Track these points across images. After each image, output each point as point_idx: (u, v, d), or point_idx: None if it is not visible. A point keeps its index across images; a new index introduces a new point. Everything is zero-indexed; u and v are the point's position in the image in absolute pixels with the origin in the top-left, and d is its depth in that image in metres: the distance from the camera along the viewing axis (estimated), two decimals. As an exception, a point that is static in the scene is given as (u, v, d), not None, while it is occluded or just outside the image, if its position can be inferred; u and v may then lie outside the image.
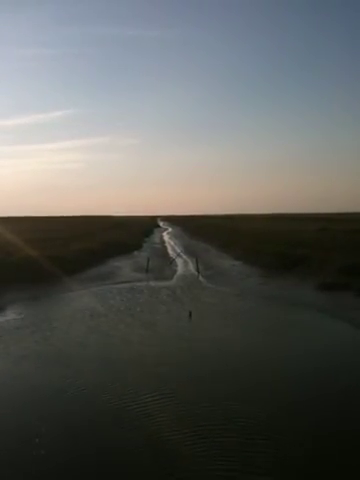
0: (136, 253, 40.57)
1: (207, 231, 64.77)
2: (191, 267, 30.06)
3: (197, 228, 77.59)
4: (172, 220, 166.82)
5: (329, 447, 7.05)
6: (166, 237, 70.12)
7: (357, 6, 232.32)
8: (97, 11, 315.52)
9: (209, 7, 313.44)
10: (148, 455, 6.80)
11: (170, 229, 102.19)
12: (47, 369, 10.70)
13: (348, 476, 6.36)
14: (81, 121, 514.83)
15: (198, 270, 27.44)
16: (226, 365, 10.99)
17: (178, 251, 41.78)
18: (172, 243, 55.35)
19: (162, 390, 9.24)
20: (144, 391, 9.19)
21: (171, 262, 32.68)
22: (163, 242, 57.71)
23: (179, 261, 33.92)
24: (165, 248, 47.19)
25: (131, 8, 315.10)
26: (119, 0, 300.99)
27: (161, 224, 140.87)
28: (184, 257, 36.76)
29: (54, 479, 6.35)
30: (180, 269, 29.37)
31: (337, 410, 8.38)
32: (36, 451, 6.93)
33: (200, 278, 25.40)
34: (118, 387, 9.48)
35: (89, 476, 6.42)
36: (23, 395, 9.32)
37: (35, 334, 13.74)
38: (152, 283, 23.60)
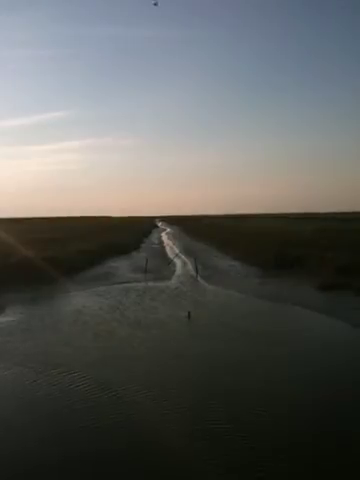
0: (135, 253, 40.57)
1: (205, 231, 64.80)
2: (190, 267, 30.06)
3: (195, 228, 77.61)
4: (171, 220, 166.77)
5: (325, 439, 7.14)
6: (164, 237, 70.12)
7: (356, 6, 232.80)
8: (95, 12, 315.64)
9: (208, 8, 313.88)
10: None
11: (169, 229, 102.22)
12: (42, 371, 10.72)
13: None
14: (80, 122, 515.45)
15: (197, 270, 27.43)
16: (225, 364, 11.01)
17: (176, 251, 41.77)
18: (170, 243, 55.35)
19: (156, 390, 9.28)
20: (135, 388, 9.23)
21: (170, 262, 32.68)
22: (162, 242, 57.70)
23: (178, 261, 33.93)
24: (164, 248, 47.19)
25: (130, 9, 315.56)
26: (117, 1, 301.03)
27: (160, 224, 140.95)
28: (182, 257, 36.76)
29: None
30: (179, 269, 29.37)
31: (336, 410, 8.43)
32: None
33: (199, 278, 25.40)
34: (114, 388, 9.52)
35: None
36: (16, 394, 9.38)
37: (30, 335, 13.75)
38: (151, 283, 23.60)
